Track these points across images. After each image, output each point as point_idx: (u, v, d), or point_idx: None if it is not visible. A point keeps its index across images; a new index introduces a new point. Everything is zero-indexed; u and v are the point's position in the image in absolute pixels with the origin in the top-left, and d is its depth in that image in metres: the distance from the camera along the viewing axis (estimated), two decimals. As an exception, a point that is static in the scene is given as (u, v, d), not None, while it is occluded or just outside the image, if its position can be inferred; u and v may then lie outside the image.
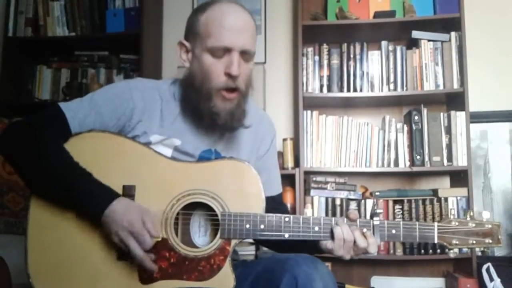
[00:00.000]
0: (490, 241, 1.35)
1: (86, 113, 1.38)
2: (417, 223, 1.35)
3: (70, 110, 1.37)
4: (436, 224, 1.35)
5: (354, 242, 1.30)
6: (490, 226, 1.35)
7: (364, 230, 1.32)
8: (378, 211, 1.35)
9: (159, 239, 1.28)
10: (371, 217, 1.34)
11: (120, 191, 1.31)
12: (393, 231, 1.34)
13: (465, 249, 2.59)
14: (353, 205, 2.76)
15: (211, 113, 1.37)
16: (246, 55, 1.38)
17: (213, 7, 1.38)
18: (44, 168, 1.29)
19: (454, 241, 1.35)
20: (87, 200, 1.27)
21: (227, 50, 1.35)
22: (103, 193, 1.28)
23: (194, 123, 1.45)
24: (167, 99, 1.45)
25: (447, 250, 1.36)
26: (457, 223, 1.35)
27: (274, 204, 1.43)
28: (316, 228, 1.33)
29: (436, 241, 1.35)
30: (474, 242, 1.35)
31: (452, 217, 1.36)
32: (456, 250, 1.36)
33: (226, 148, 1.49)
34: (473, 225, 1.35)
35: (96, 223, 1.28)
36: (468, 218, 1.36)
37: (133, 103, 1.40)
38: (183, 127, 1.44)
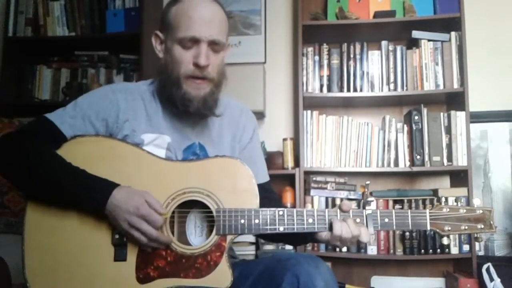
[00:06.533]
0: (482, 226, 1.36)
1: (73, 117, 1.40)
2: (409, 211, 1.37)
3: (57, 117, 1.39)
4: (427, 211, 1.37)
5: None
6: (481, 211, 1.37)
7: (358, 220, 1.34)
8: (369, 199, 1.35)
9: (168, 215, 1.30)
10: (363, 206, 1.35)
11: None
12: (386, 220, 1.36)
13: (465, 249, 2.60)
14: (353, 205, 2.75)
15: (183, 100, 1.40)
16: (215, 45, 1.41)
17: (183, 1, 1.42)
18: (39, 173, 1.30)
19: (446, 228, 1.36)
20: (87, 195, 1.28)
21: (195, 41, 1.38)
22: (101, 186, 1.29)
23: (175, 119, 1.48)
24: (149, 99, 1.49)
25: (440, 237, 1.36)
26: (448, 210, 1.37)
27: (264, 192, 1.44)
28: (310, 220, 1.34)
29: (428, 228, 1.36)
30: (466, 227, 1.36)
31: (443, 203, 1.37)
32: (450, 236, 1.36)
33: (209, 140, 1.51)
34: (464, 211, 1.37)
35: (100, 216, 1.29)
36: (459, 205, 1.38)
37: (117, 103, 1.44)
38: (168, 124, 1.47)
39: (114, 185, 1.29)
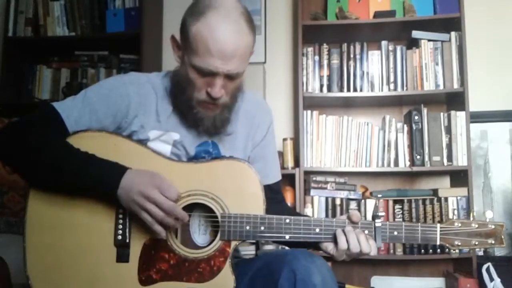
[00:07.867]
0: (493, 241, 1.31)
1: (81, 111, 1.36)
2: (419, 224, 1.33)
3: (64, 109, 1.35)
4: (438, 225, 1.32)
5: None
6: (493, 226, 1.31)
7: (366, 232, 1.31)
8: (380, 213, 1.33)
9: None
10: (373, 219, 1.33)
11: None
12: (395, 233, 1.32)
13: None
14: (353, 205, 2.76)
15: (195, 119, 1.37)
16: (233, 76, 1.32)
17: (206, 19, 1.27)
18: (48, 159, 1.28)
19: (456, 242, 1.32)
20: (99, 177, 1.26)
21: (212, 74, 1.29)
22: (112, 168, 1.27)
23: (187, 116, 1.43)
24: (161, 94, 1.43)
25: (447, 250, 1.34)
26: (459, 224, 1.32)
27: (271, 193, 1.42)
28: (317, 230, 1.32)
29: (438, 243, 1.32)
30: (477, 243, 1.32)
31: (454, 217, 1.34)
32: (457, 250, 1.34)
33: (222, 138, 1.47)
34: (476, 225, 1.32)
35: (103, 216, 1.29)
36: (471, 219, 1.33)
37: (128, 98, 1.38)
38: (179, 121, 1.42)
39: (124, 168, 1.27)
